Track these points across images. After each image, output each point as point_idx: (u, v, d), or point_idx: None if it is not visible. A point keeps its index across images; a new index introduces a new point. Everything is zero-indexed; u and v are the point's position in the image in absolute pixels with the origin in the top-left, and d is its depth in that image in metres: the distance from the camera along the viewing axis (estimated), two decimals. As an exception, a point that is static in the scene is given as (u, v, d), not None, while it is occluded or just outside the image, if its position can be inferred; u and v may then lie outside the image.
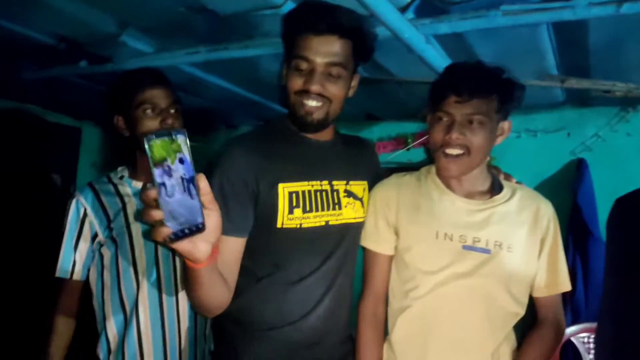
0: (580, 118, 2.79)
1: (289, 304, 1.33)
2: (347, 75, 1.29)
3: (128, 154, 1.67)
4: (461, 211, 1.36)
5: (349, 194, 1.40)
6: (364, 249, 1.46)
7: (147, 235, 1.56)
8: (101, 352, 1.59)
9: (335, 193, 1.36)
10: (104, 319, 1.58)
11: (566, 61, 2.02)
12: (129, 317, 1.56)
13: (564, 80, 2.03)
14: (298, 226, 1.29)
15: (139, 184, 1.63)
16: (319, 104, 1.28)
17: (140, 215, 1.53)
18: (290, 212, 1.28)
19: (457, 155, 1.30)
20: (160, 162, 0.78)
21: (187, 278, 1.06)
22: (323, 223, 1.33)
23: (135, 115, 1.54)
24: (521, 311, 1.37)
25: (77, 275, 1.59)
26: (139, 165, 1.65)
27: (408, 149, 3.09)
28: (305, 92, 1.26)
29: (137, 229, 1.57)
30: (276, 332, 1.32)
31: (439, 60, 1.78)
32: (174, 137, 0.79)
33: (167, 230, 0.81)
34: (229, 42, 1.88)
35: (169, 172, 0.79)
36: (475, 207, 1.36)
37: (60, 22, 1.83)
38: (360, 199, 1.43)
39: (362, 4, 1.34)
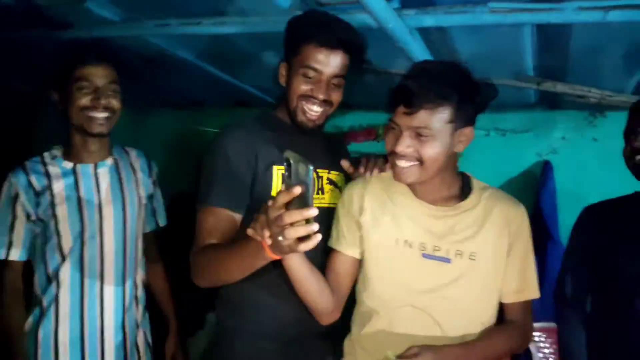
0: (549, 120, 2.81)
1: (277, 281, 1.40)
2: (344, 84, 1.47)
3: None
4: (423, 217, 1.33)
5: (331, 181, 1.58)
6: (331, 250, 1.41)
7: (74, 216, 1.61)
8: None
9: (319, 180, 1.54)
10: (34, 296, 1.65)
11: (543, 64, 2.01)
12: (47, 305, 1.60)
13: (540, 82, 2.03)
14: None
15: (69, 164, 1.65)
16: (322, 109, 1.44)
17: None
18: None
19: (409, 166, 1.24)
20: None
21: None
22: None
23: (70, 90, 1.55)
24: (488, 320, 1.33)
25: (15, 255, 1.61)
26: (72, 144, 1.67)
27: (379, 141, 3.04)
28: (309, 97, 1.42)
29: (62, 210, 1.59)
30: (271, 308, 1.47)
31: (421, 53, 1.73)
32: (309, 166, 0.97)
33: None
34: (202, 17, 1.78)
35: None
36: (438, 214, 1.33)
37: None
38: (340, 188, 1.59)
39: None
